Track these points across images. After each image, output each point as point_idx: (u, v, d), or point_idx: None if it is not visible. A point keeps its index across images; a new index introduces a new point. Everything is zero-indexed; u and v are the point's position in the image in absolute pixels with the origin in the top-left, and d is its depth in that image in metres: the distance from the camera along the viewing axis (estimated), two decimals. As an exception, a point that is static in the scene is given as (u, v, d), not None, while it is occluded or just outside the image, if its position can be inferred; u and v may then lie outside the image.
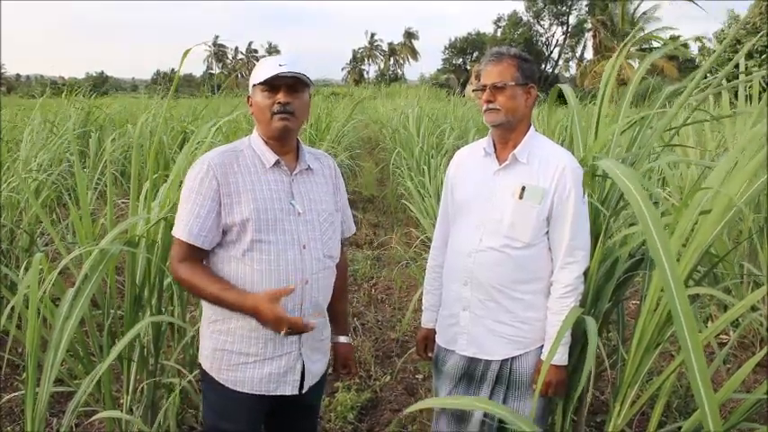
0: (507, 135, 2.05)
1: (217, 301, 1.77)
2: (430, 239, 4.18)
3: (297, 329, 1.69)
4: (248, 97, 1.87)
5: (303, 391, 1.91)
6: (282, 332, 1.68)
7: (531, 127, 2.08)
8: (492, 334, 2.08)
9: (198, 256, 1.81)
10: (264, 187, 1.80)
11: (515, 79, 1.98)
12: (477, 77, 2.12)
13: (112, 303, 2.50)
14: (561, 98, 2.73)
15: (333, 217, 1.94)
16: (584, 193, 2.00)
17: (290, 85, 1.77)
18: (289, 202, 1.82)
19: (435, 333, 2.29)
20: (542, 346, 2.08)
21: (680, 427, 1.91)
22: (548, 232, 2.03)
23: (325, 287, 1.91)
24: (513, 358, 2.09)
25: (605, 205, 2.26)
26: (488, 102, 1.99)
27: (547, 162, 2.01)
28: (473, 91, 2.07)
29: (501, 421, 2.13)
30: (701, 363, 0.84)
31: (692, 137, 5.69)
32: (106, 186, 2.65)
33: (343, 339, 2.15)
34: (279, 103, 1.76)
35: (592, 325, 1.92)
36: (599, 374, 2.71)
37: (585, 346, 2.11)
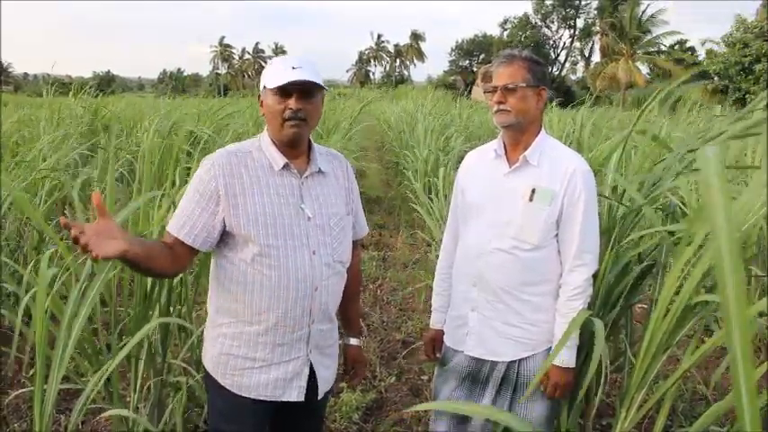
0: (518, 137, 2.05)
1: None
2: (436, 241, 4.15)
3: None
4: (259, 96, 1.82)
5: (318, 398, 1.88)
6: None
7: (542, 129, 2.08)
8: (500, 335, 2.08)
9: (184, 251, 1.74)
10: (273, 191, 1.75)
11: (527, 81, 1.98)
12: (484, 79, 2.13)
13: (120, 301, 2.50)
14: (565, 100, 2.73)
15: (344, 221, 1.88)
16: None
17: (302, 90, 1.70)
18: (298, 206, 1.77)
19: (443, 334, 2.29)
20: (550, 348, 2.08)
21: (686, 432, 1.91)
22: (557, 234, 2.03)
23: (334, 293, 1.87)
24: (519, 360, 2.09)
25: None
26: (499, 103, 1.99)
27: (557, 164, 2.00)
28: (485, 92, 2.07)
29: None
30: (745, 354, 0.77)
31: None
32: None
33: (353, 341, 2.12)
34: (290, 109, 1.69)
35: (599, 327, 1.91)
36: (605, 377, 2.70)
37: (593, 350, 2.11)
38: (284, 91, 1.70)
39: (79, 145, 6.11)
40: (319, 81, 1.72)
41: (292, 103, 1.69)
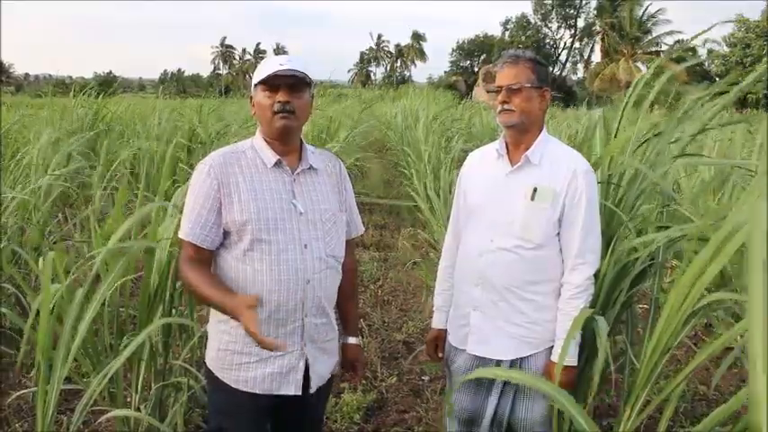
0: (520, 137, 2.06)
1: (206, 302, 1.81)
2: (437, 240, 4.15)
3: (263, 347, 1.63)
4: (251, 98, 1.88)
5: (311, 392, 1.90)
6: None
7: (544, 129, 2.10)
8: (502, 334, 2.08)
9: (204, 257, 1.83)
10: (265, 187, 1.81)
11: (531, 82, 2.00)
12: (486, 79, 2.15)
13: (123, 302, 2.50)
14: (566, 100, 2.74)
15: (336, 217, 1.93)
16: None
17: (290, 84, 1.78)
18: (290, 201, 1.83)
19: (446, 333, 2.29)
20: (552, 346, 2.08)
21: (688, 432, 1.90)
22: (559, 234, 2.03)
23: (328, 287, 1.90)
24: (522, 358, 2.09)
25: (621, 207, 2.26)
26: (504, 103, 2.01)
27: (559, 164, 2.02)
28: (488, 92, 2.09)
29: (510, 423, 2.13)
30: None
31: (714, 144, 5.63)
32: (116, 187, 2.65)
33: (352, 341, 2.13)
34: (279, 102, 1.77)
35: (603, 325, 1.91)
36: (606, 377, 2.70)
37: (594, 349, 2.10)
38: (273, 86, 1.78)
39: (79, 146, 6.10)
40: (305, 74, 1.79)
41: (280, 96, 1.77)
